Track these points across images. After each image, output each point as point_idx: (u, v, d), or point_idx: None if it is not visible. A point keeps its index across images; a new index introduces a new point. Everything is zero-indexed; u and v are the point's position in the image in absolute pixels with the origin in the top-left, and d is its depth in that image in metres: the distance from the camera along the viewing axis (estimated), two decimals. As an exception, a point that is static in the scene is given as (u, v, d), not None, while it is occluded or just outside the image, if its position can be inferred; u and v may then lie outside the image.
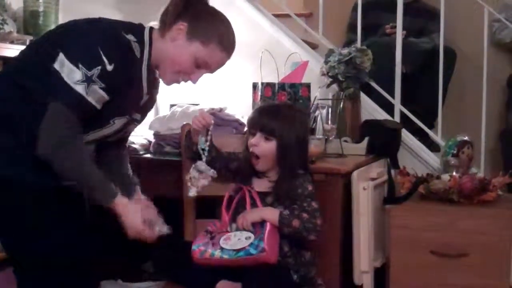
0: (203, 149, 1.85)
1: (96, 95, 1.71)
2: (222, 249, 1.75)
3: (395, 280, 2.28)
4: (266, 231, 1.75)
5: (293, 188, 1.84)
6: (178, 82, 1.95)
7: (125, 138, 2.06)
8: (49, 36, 1.86)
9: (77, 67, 1.68)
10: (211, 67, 1.92)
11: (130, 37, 1.82)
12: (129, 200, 1.81)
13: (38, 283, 1.81)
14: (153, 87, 1.96)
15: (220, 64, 1.94)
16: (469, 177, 2.35)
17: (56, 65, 1.69)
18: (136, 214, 1.78)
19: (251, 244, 1.72)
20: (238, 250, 1.73)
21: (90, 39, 1.73)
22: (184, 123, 2.16)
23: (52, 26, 2.57)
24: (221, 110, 2.67)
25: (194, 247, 1.79)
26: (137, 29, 1.88)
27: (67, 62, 1.68)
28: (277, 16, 3.27)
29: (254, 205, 1.83)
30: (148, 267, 2.25)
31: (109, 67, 1.71)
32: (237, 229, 1.80)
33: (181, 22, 1.86)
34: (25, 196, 1.77)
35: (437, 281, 2.24)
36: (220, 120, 2.57)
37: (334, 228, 2.17)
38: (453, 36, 3.58)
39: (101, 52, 1.70)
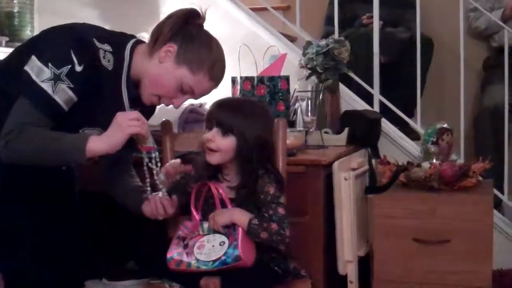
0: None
1: (63, 95, 1.69)
2: (197, 260, 1.71)
3: (379, 268, 2.31)
4: (239, 238, 1.70)
5: (254, 194, 1.75)
6: (158, 104, 1.90)
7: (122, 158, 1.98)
8: (28, 42, 1.87)
9: (47, 66, 1.68)
10: (196, 94, 1.86)
11: (105, 46, 1.78)
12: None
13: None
14: (140, 104, 1.88)
15: (207, 92, 1.88)
16: (449, 164, 2.37)
17: (27, 67, 1.69)
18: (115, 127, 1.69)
19: (225, 253, 1.69)
20: (214, 261, 1.69)
21: (62, 41, 1.73)
22: (164, 119, 2.16)
23: (28, 27, 2.56)
24: (200, 105, 2.67)
25: (168, 257, 1.74)
26: (117, 41, 1.83)
27: (37, 63, 1.69)
28: (254, 9, 3.26)
29: (222, 202, 1.78)
30: (132, 265, 2.25)
31: (78, 68, 1.69)
32: (209, 230, 1.77)
33: (171, 44, 1.79)
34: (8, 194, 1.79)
35: (420, 268, 2.26)
36: (200, 115, 2.57)
37: (317, 219, 2.18)
38: (430, 25, 3.61)
39: (72, 53, 1.69)
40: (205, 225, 1.77)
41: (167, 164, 1.90)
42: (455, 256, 2.23)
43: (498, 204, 2.92)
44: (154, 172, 1.80)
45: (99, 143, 1.68)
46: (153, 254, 1.88)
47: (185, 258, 1.72)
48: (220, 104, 1.81)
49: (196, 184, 1.83)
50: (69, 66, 1.69)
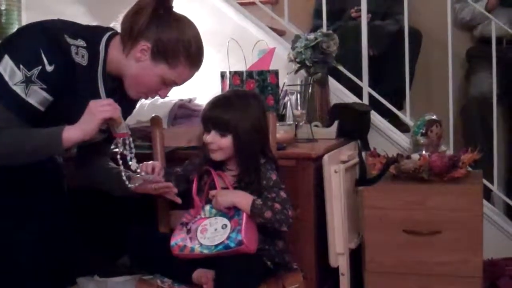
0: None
1: (36, 97, 1.69)
2: (201, 244, 1.74)
3: (370, 260, 2.32)
4: (243, 223, 1.74)
5: (256, 180, 1.83)
6: (146, 98, 1.94)
7: (100, 151, 2.01)
8: (4, 40, 1.84)
9: (18, 68, 1.67)
10: (179, 84, 1.89)
11: (78, 42, 1.76)
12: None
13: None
14: (119, 98, 1.87)
15: (189, 78, 1.90)
16: (438, 155, 2.38)
17: (1, 68, 1.68)
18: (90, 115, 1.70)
19: (229, 238, 1.72)
20: (216, 245, 1.73)
21: (32, 40, 1.71)
22: (153, 115, 2.16)
23: (15, 24, 2.55)
24: (190, 100, 2.67)
25: (172, 243, 1.78)
26: (91, 35, 1.81)
27: (10, 64, 1.68)
28: (242, 4, 3.26)
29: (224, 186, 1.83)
30: (124, 261, 2.25)
31: (49, 68, 1.69)
32: (210, 212, 1.81)
33: (144, 42, 1.78)
34: None
35: (411, 259, 2.27)
36: (189, 111, 2.57)
37: (307, 213, 2.19)
38: (418, 17, 3.61)
39: (42, 53, 1.68)
40: (207, 207, 1.82)
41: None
42: (446, 247, 2.24)
43: (488, 194, 2.93)
44: (128, 158, 1.80)
45: (74, 131, 1.69)
46: (144, 250, 1.89)
47: (188, 243, 1.76)
48: (212, 105, 1.89)
49: (198, 171, 1.90)
50: (40, 67, 1.68)
